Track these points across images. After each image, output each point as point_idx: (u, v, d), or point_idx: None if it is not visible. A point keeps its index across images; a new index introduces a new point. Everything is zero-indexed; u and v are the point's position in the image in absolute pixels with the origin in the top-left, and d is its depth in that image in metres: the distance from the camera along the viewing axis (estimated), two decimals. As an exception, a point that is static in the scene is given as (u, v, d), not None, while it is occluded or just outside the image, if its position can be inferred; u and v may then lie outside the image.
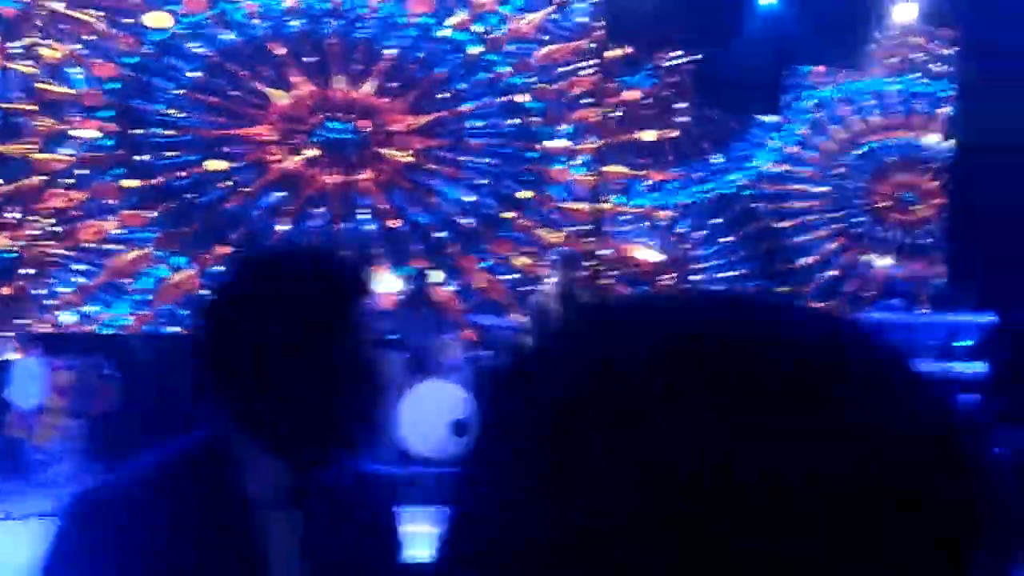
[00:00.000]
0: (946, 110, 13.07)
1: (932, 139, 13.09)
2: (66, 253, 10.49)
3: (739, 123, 12.48)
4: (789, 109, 12.66)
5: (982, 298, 11.57)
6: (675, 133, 12.30)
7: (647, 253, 12.23)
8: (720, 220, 12.43)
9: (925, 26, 12.67)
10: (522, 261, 11.59)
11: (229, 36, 10.98)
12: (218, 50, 10.94)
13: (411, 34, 11.47)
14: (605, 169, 12.13)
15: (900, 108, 13.02)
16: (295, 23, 11.14)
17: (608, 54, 12.06)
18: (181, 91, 10.84)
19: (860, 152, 12.94)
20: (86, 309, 10.50)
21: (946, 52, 12.93)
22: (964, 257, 12.73)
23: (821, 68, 12.70)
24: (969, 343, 9.79)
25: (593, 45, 11.94)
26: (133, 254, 10.66)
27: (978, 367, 10.11)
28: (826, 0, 11.74)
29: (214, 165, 10.93)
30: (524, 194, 11.82)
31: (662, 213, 12.32)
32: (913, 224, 12.98)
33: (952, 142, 13.03)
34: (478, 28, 11.66)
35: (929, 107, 13.06)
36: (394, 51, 11.42)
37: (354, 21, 11.28)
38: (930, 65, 13.01)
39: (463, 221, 11.62)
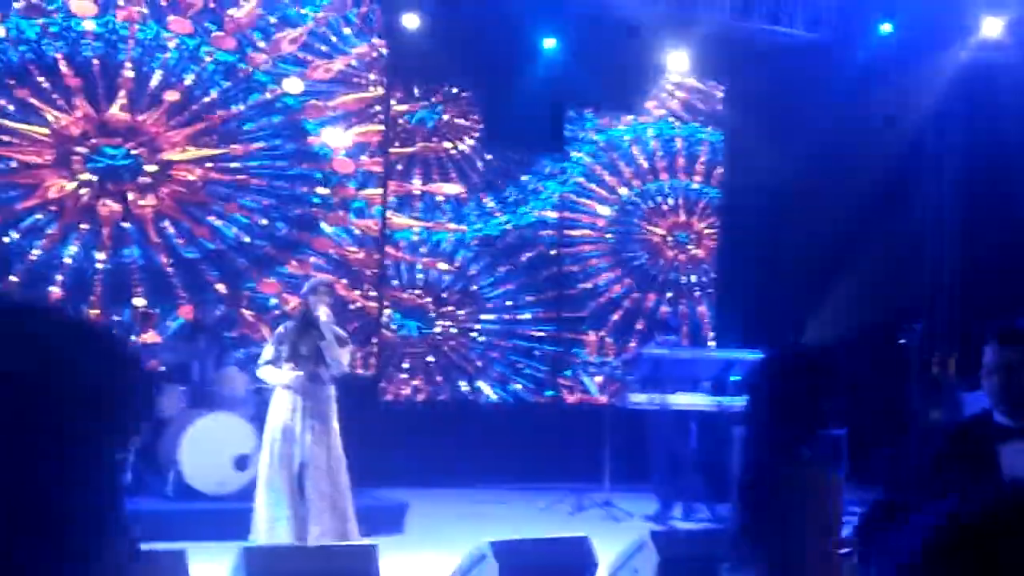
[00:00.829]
0: (717, 155, 13.73)
1: (703, 183, 13.70)
2: None
3: (522, 162, 12.76)
4: (570, 149, 13.04)
5: (749, 335, 12.18)
6: (461, 189, 12.48)
7: (438, 292, 12.36)
8: (503, 256, 12.67)
9: (698, 75, 13.30)
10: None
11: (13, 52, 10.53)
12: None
13: (208, 68, 11.29)
14: (393, 218, 12.19)
15: (674, 152, 13.58)
16: (87, 45, 10.79)
17: (396, 107, 12.17)
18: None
19: (637, 193, 13.43)
20: None
21: (717, 99, 13.61)
22: (733, 296, 13.35)
23: (601, 111, 13.14)
24: (738, 378, 10.27)
25: (380, 87, 12.00)
26: None
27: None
28: (602, 45, 12.19)
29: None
30: (303, 234, 11.75)
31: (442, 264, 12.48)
32: (687, 263, 13.54)
33: (721, 186, 13.71)
34: (269, 64, 11.55)
35: (701, 152, 13.68)
36: (184, 83, 11.20)
37: (153, 50, 11.01)
38: (701, 111, 13.64)
39: (240, 253, 11.47)
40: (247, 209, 11.49)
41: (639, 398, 10.46)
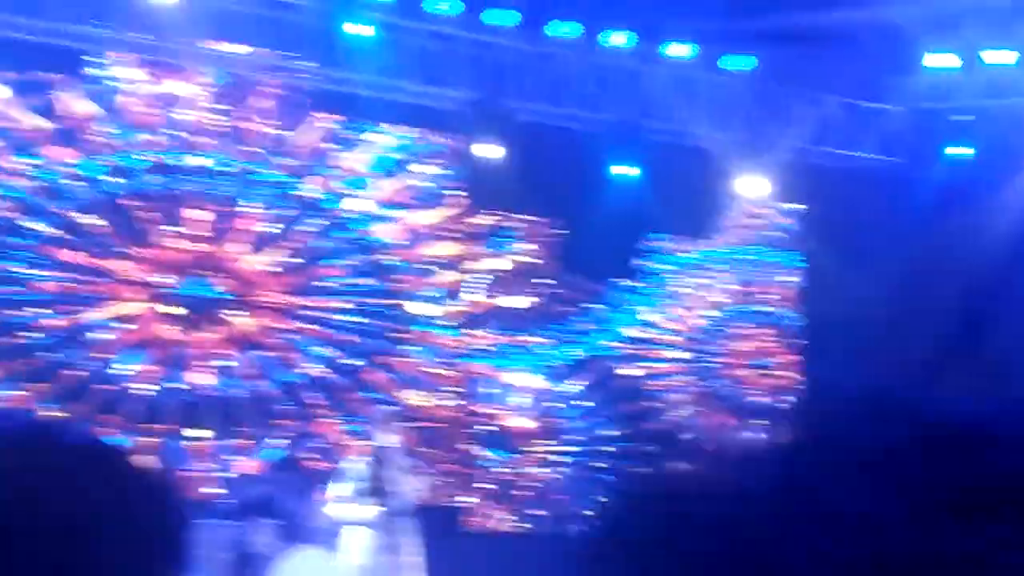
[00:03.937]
0: (797, 280, 13.57)
1: (784, 307, 13.52)
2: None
3: (599, 289, 12.65)
4: (647, 275, 12.93)
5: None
6: (537, 300, 12.37)
7: (521, 421, 12.18)
8: (585, 383, 12.49)
9: (776, 201, 13.23)
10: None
11: (89, 189, 10.59)
12: (79, 204, 10.53)
13: (274, 192, 11.32)
14: (472, 332, 12.07)
15: (754, 277, 13.45)
16: (155, 179, 10.84)
17: (472, 220, 12.14)
18: (40, 246, 10.33)
19: (716, 318, 13.27)
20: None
21: (795, 226, 13.50)
22: (812, 419, 13.03)
23: (677, 237, 13.06)
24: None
25: (456, 211, 12.02)
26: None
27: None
28: (681, 173, 12.18)
29: (66, 320, 10.40)
30: (387, 356, 11.62)
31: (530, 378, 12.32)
32: (769, 389, 13.29)
33: (803, 310, 13.54)
34: (342, 188, 11.60)
35: (781, 277, 13.54)
36: (258, 209, 11.21)
37: (215, 176, 11.05)
38: (778, 236, 13.53)
39: (327, 378, 11.33)
40: (333, 337, 11.40)
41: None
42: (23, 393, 10.06)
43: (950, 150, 13.03)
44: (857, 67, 12.69)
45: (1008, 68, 12.49)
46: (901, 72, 12.87)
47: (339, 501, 7.42)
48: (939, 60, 12.63)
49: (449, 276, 12.01)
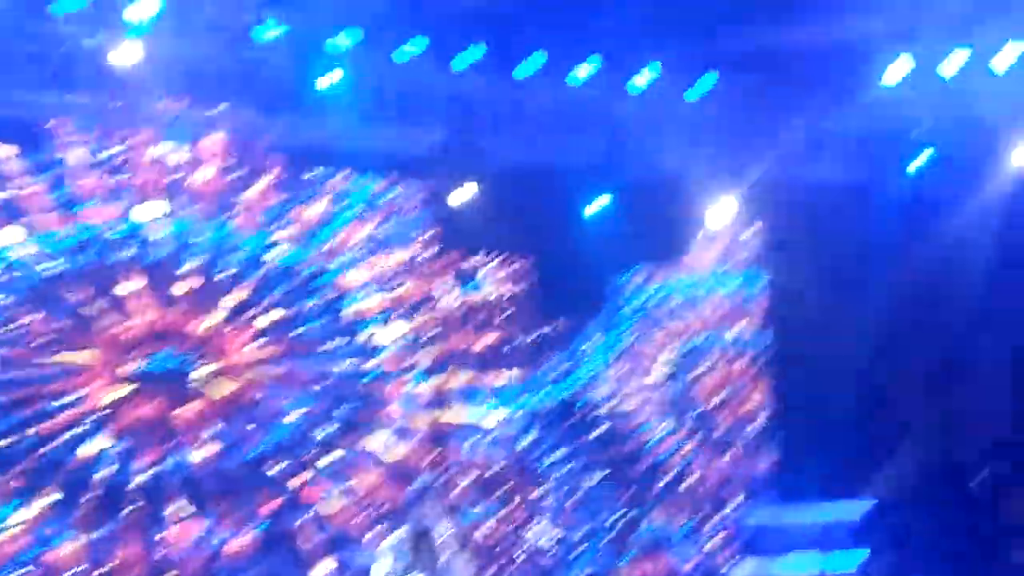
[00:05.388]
0: (763, 303, 13.55)
1: (749, 331, 13.47)
2: None
3: (574, 326, 12.49)
4: (616, 309, 12.81)
5: (820, 484, 11.96)
6: (511, 340, 12.18)
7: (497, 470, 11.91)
8: (562, 422, 12.33)
9: (738, 224, 13.18)
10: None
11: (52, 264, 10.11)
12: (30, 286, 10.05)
13: (241, 253, 10.91)
14: (446, 377, 11.82)
15: (721, 304, 13.41)
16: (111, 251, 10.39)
17: (444, 263, 11.90)
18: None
19: (688, 347, 13.21)
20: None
21: (763, 248, 13.48)
22: (797, 445, 13.10)
23: (650, 268, 12.97)
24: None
25: (429, 255, 11.77)
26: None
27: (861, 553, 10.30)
28: (646, 202, 12.09)
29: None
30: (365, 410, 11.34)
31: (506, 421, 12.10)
32: (744, 416, 13.27)
33: (771, 332, 13.55)
34: (311, 242, 11.26)
35: (747, 301, 13.51)
36: (223, 274, 10.80)
37: (180, 243, 10.63)
38: (749, 260, 13.50)
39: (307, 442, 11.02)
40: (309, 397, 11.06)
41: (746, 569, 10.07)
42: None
43: (912, 165, 13.19)
44: (816, 86, 12.71)
45: (963, 77, 12.55)
46: (860, 88, 12.88)
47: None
48: (897, 74, 12.57)
49: (422, 321, 11.72)
